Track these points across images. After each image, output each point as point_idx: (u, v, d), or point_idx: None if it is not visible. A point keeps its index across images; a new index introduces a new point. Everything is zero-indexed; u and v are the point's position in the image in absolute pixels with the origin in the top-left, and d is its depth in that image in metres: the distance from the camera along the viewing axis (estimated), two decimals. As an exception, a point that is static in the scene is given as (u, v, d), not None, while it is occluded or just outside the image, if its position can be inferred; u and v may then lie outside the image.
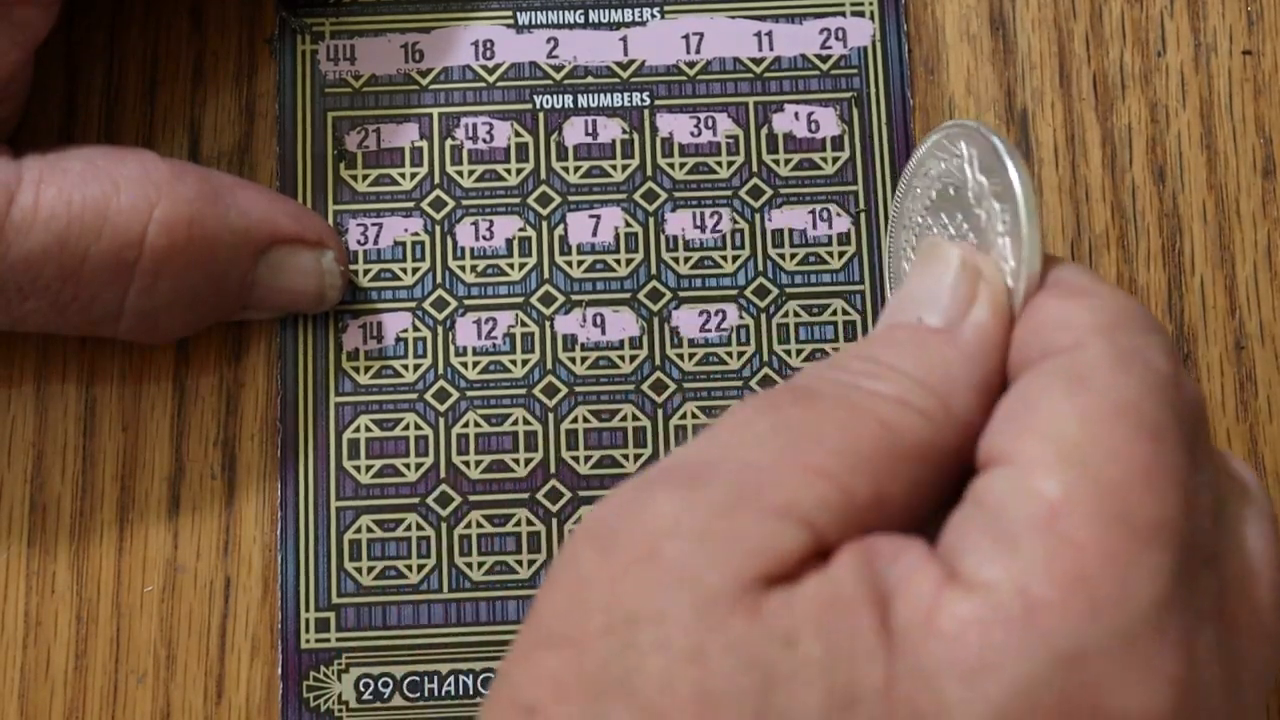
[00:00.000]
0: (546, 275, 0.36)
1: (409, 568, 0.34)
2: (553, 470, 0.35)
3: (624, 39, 0.37)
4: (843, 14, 0.37)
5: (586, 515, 0.24)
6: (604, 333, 0.35)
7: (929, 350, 0.25)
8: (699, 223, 0.36)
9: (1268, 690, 0.25)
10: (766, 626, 0.22)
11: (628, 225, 0.36)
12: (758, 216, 0.36)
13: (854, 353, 0.26)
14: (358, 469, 0.35)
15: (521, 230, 0.36)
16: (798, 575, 0.23)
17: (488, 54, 0.37)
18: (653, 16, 0.37)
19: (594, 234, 0.36)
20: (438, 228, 0.36)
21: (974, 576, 0.22)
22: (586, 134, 0.36)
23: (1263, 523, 0.25)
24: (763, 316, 0.35)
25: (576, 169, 0.36)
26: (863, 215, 0.36)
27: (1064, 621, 0.21)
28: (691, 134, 0.36)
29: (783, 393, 0.25)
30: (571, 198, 0.36)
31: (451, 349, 0.35)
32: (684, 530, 0.23)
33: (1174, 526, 0.22)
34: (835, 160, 0.36)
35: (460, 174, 0.36)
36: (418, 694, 0.34)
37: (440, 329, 0.35)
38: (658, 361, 0.35)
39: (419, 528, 0.34)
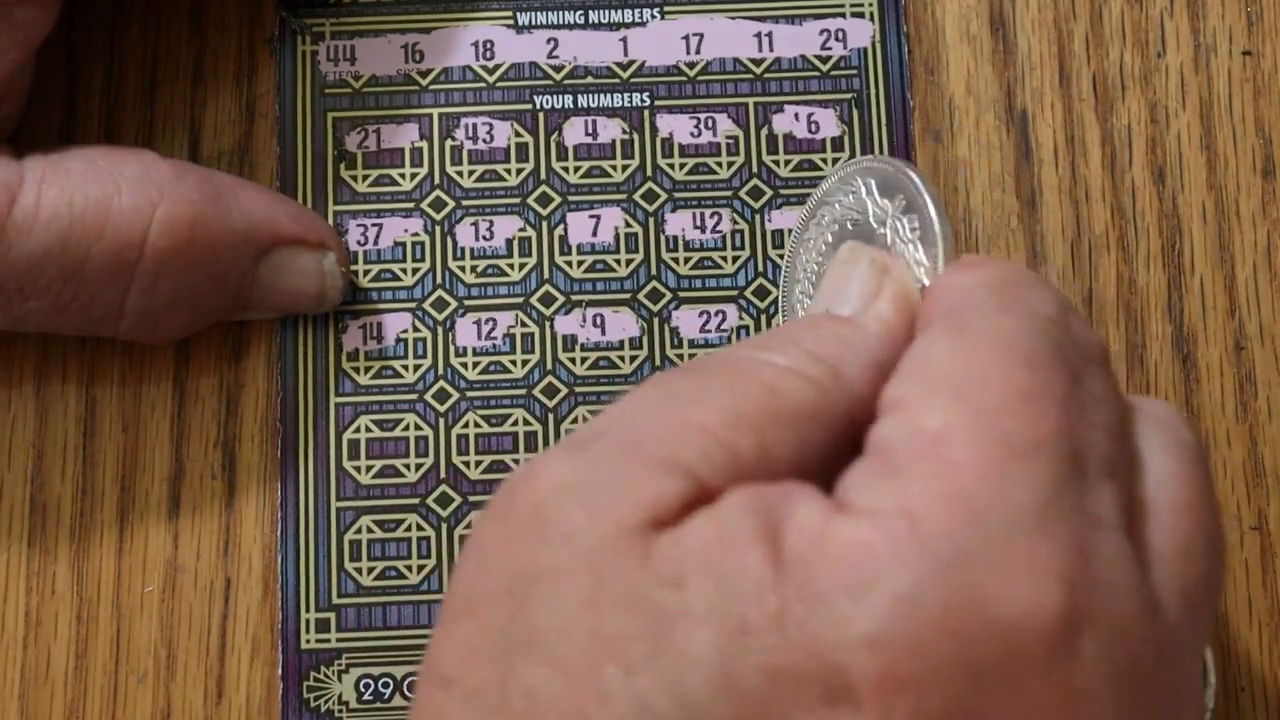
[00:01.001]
0: (546, 275, 0.36)
1: (409, 568, 0.34)
2: (553, 470, 0.35)
3: (624, 39, 0.37)
4: (842, 15, 0.37)
5: (512, 474, 0.25)
6: (604, 333, 0.35)
7: (826, 329, 0.27)
8: (699, 223, 0.36)
9: (1208, 612, 0.25)
10: (653, 570, 0.23)
11: (628, 226, 0.36)
12: (758, 217, 0.36)
13: (764, 336, 0.27)
14: (358, 469, 0.35)
15: (521, 230, 0.36)
16: (685, 519, 0.23)
17: (488, 54, 0.37)
18: (653, 17, 0.37)
19: (594, 234, 0.36)
20: (438, 228, 0.36)
21: (860, 504, 0.23)
22: (586, 134, 0.36)
23: (1178, 449, 0.26)
24: (762, 317, 0.35)
25: (576, 169, 0.36)
26: (863, 216, 0.36)
27: (944, 530, 0.22)
28: (691, 134, 0.36)
29: (676, 368, 0.26)
30: (571, 198, 0.36)
31: (451, 349, 0.35)
32: (569, 488, 0.24)
33: (1054, 440, 0.23)
34: (835, 161, 0.36)
35: (460, 174, 0.36)
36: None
37: (440, 329, 0.35)
38: (658, 362, 0.35)
39: (419, 528, 0.35)
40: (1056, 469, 0.23)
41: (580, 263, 0.36)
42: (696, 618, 0.22)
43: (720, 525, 0.23)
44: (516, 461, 0.35)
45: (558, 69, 0.37)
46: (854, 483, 0.24)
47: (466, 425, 0.35)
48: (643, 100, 0.36)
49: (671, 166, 0.36)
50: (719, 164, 0.36)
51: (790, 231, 0.36)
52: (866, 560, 0.22)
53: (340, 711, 0.34)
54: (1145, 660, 0.23)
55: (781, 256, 0.36)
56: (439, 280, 0.36)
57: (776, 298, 0.35)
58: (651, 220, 0.36)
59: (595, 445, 0.25)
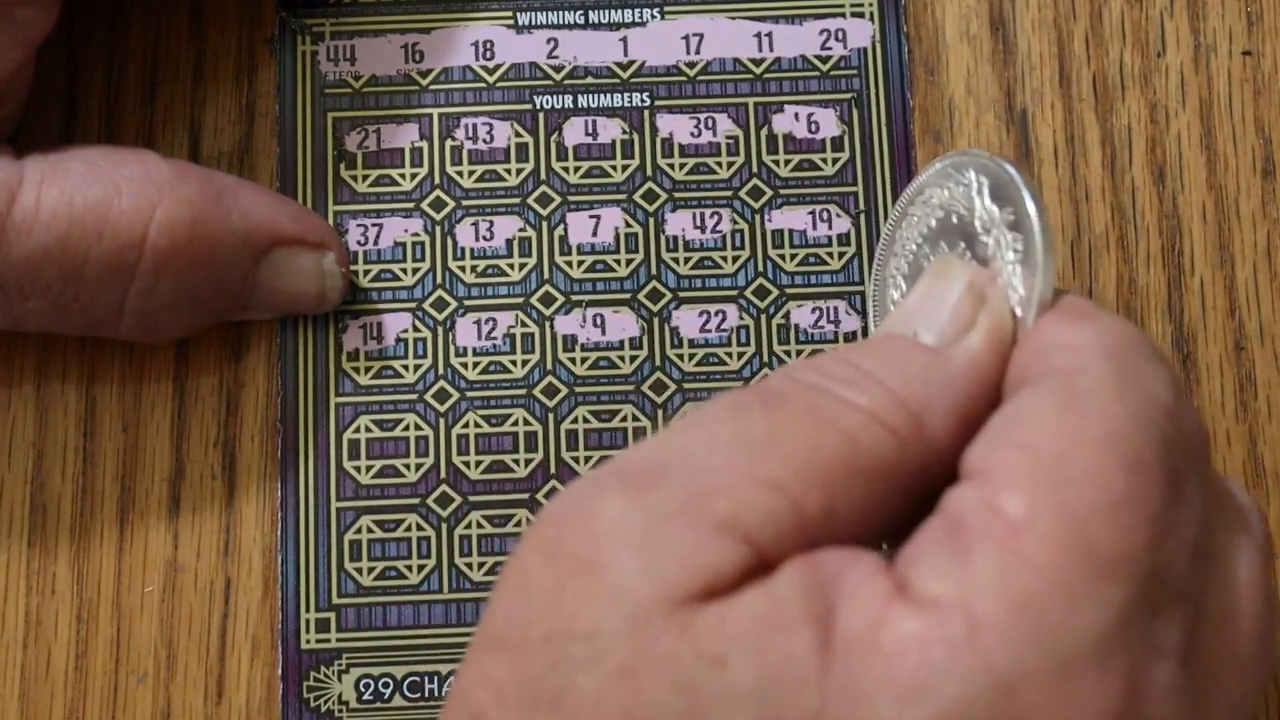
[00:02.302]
0: (546, 275, 0.36)
1: (409, 568, 0.34)
2: (553, 471, 0.35)
3: (624, 39, 0.37)
4: (842, 15, 0.37)
5: (540, 512, 0.24)
6: (604, 333, 0.35)
7: (914, 365, 0.25)
8: (699, 223, 0.36)
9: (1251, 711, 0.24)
10: (697, 646, 0.22)
11: (628, 225, 0.36)
12: (758, 217, 0.36)
13: (838, 355, 0.25)
14: (358, 469, 0.35)
15: (521, 230, 0.36)
16: (737, 589, 0.22)
17: (488, 54, 0.37)
18: (653, 17, 0.37)
19: (594, 234, 0.36)
20: (438, 228, 0.36)
21: (923, 591, 0.22)
22: (586, 134, 0.36)
23: (1253, 554, 0.24)
24: (763, 317, 0.35)
25: (576, 169, 0.36)
26: (863, 216, 0.36)
27: (1004, 644, 0.21)
28: (691, 134, 0.36)
29: (750, 395, 0.24)
30: (571, 198, 0.36)
31: (451, 349, 0.35)
32: (624, 537, 0.23)
33: (1136, 561, 0.22)
34: (835, 161, 0.36)
35: (460, 174, 0.36)
36: (418, 694, 0.34)
37: (440, 329, 0.35)
38: (658, 362, 0.35)
39: (419, 528, 0.34)
40: (1131, 593, 0.22)
41: (580, 263, 0.36)
42: (734, 703, 0.21)
43: (772, 601, 0.22)
44: (517, 462, 0.35)
45: (558, 69, 0.37)
46: (921, 557, 0.22)
47: (466, 425, 0.35)
48: (643, 100, 0.36)
49: (671, 166, 0.36)
50: (719, 164, 0.36)
51: (791, 232, 0.36)
52: (920, 666, 0.21)
53: (340, 711, 0.34)
54: None
55: (782, 256, 0.36)
56: (439, 280, 0.36)
57: (869, 272, 0.34)
58: (651, 220, 0.36)
59: (659, 490, 0.23)
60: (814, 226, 0.36)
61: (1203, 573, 0.23)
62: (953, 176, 0.28)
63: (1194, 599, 0.23)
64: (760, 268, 0.36)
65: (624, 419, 0.35)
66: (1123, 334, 0.24)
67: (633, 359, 0.35)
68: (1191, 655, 0.23)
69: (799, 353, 0.35)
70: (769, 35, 0.37)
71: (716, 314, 0.35)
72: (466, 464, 0.35)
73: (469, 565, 0.34)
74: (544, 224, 0.36)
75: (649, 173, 0.36)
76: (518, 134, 0.36)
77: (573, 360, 0.35)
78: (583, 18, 0.37)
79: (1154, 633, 0.22)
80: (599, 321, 0.35)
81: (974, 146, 0.33)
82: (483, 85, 0.36)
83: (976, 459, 0.23)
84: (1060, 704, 0.21)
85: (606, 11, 0.37)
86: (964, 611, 0.21)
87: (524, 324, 0.35)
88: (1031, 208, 0.26)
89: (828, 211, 0.36)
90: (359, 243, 0.36)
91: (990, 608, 0.21)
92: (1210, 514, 0.24)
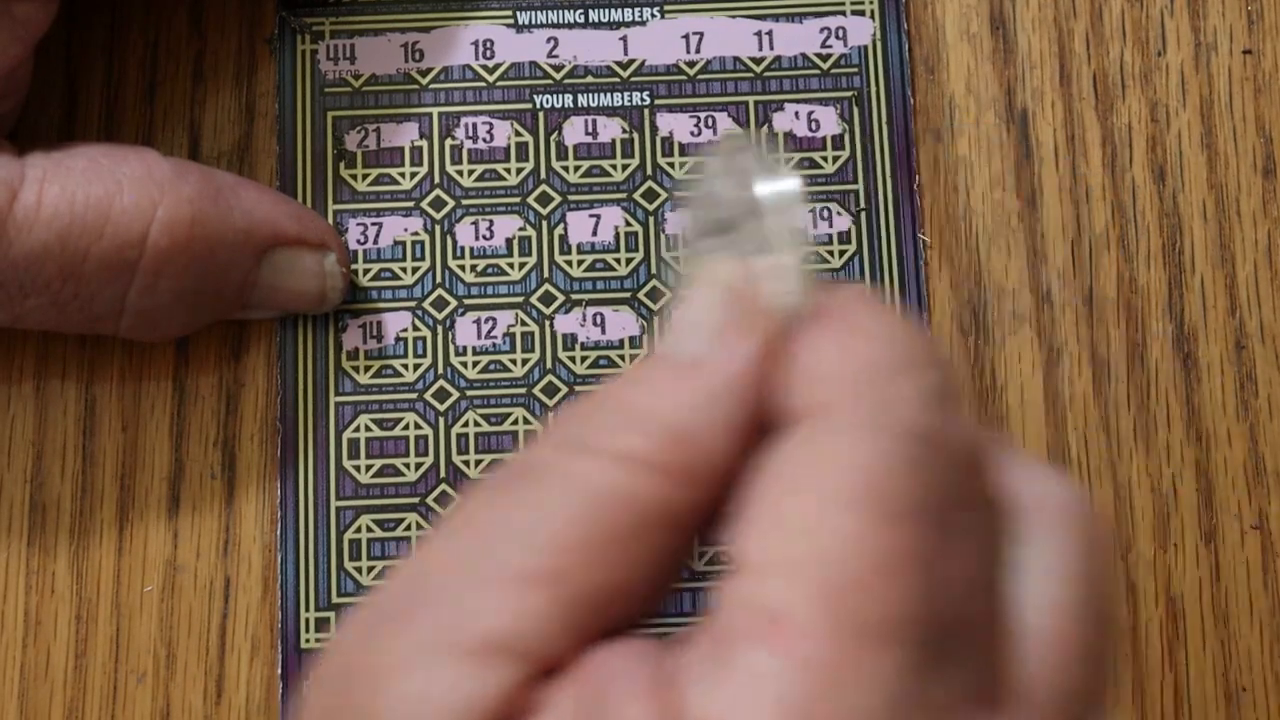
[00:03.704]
0: (546, 275, 0.36)
1: (409, 567, 0.34)
2: (553, 470, 0.35)
3: (624, 39, 0.37)
4: (843, 13, 0.37)
5: (327, 649, 0.22)
6: (604, 332, 0.35)
7: (676, 388, 0.22)
8: (699, 222, 0.36)
9: (1104, 693, 0.23)
10: None
11: (628, 225, 0.36)
12: (758, 216, 0.36)
13: (603, 393, 0.23)
14: (358, 469, 0.35)
15: (521, 230, 0.36)
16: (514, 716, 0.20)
17: (488, 54, 0.37)
18: (653, 16, 0.37)
19: (594, 233, 0.36)
20: (438, 227, 0.36)
21: (680, 704, 0.20)
22: (586, 133, 0.36)
23: (1045, 574, 0.22)
24: (763, 316, 0.35)
25: (576, 168, 0.36)
26: (863, 214, 0.36)
27: None
28: (691, 133, 0.36)
29: (504, 476, 0.22)
30: (571, 197, 0.36)
31: (451, 349, 0.35)
32: (385, 687, 0.20)
33: (911, 618, 0.20)
34: (835, 159, 0.36)
35: (460, 173, 0.36)
36: (418, 694, 0.34)
37: (440, 329, 0.35)
38: (658, 361, 0.35)
39: (419, 527, 0.34)
40: (905, 657, 0.20)
41: (580, 262, 0.36)
42: None
43: None
44: (516, 461, 0.35)
45: (558, 68, 0.37)
46: (688, 670, 0.20)
47: (466, 424, 0.35)
48: (643, 99, 0.36)
49: (672, 165, 0.36)
50: (719, 163, 0.36)
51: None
52: None
53: (340, 711, 0.34)
54: None
55: (782, 255, 0.36)
56: (439, 279, 0.36)
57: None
58: (651, 219, 0.36)
59: (414, 623, 0.21)
60: (814, 225, 0.36)
61: (993, 601, 0.22)
62: (710, 180, 0.27)
63: (987, 631, 0.21)
64: (760, 267, 0.36)
65: (624, 418, 0.35)
66: (872, 346, 0.22)
67: (633, 358, 0.35)
68: (998, 688, 0.21)
69: (799, 352, 0.35)
70: (769, 34, 0.37)
71: (717, 313, 0.35)
72: (466, 463, 0.35)
73: (469, 564, 0.34)
74: (544, 223, 0.36)
75: (649, 172, 0.36)
76: (518, 133, 0.36)
77: (573, 359, 0.35)
78: (583, 17, 0.37)
79: (943, 688, 0.20)
80: (599, 320, 0.35)
81: (735, 133, 0.31)
82: (483, 84, 0.36)
83: (739, 546, 0.21)
84: None
85: (606, 10, 0.37)
86: None
87: (524, 323, 0.35)
88: (776, 187, 0.24)
89: (828, 210, 0.36)
90: (359, 242, 0.36)
91: (758, 715, 0.19)
92: (997, 532, 0.22)
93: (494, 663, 0.20)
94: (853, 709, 0.19)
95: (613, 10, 0.37)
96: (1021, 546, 0.22)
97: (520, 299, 0.35)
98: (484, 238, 0.36)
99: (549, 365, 0.35)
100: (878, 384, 0.22)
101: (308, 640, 0.34)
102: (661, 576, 0.22)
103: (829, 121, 0.36)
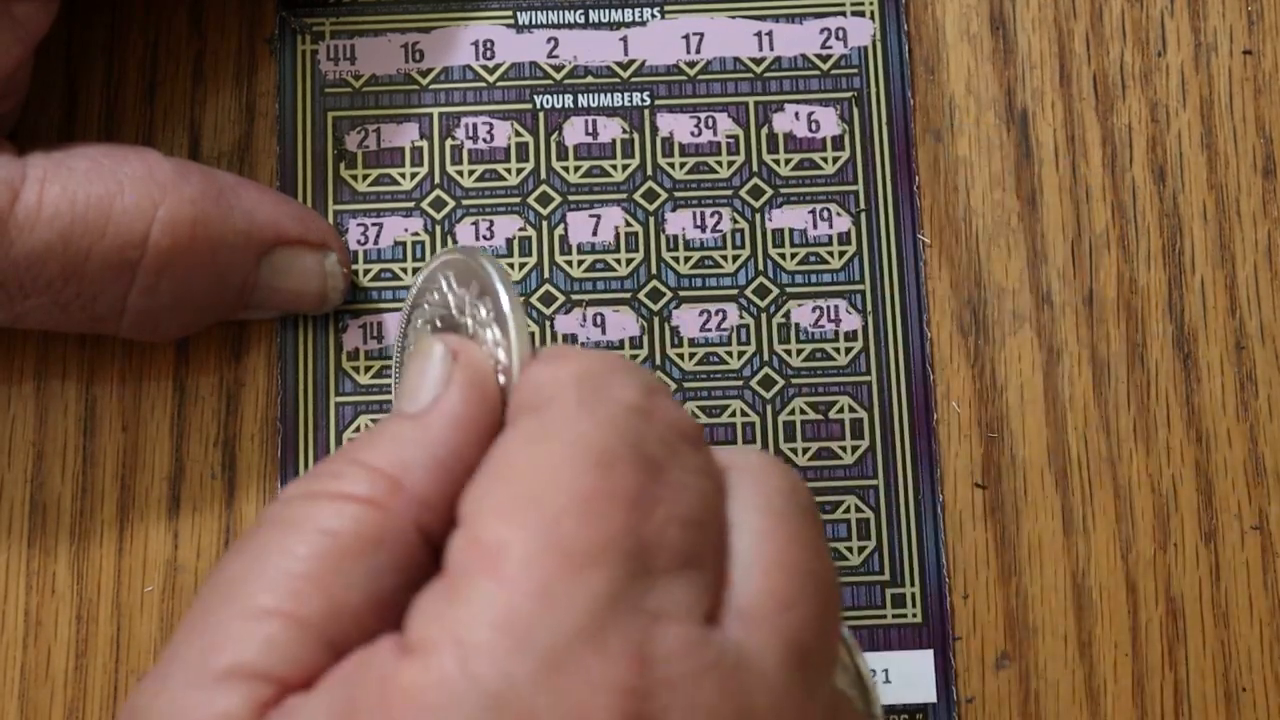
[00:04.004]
0: (546, 275, 0.36)
1: (409, 567, 0.34)
2: (553, 470, 0.35)
3: (624, 39, 0.37)
4: (843, 13, 0.37)
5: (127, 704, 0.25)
6: (604, 332, 0.35)
7: (391, 435, 0.25)
8: (699, 222, 0.36)
9: (828, 648, 0.25)
10: None
11: (628, 225, 0.36)
12: (758, 216, 0.36)
13: (335, 455, 0.26)
14: (358, 469, 0.35)
15: (521, 230, 0.36)
16: None
17: (488, 54, 0.37)
18: (653, 16, 0.37)
19: (594, 234, 0.36)
20: (438, 227, 0.36)
21: (418, 640, 0.22)
22: (586, 134, 0.36)
23: (768, 502, 0.25)
24: (763, 316, 0.35)
25: (576, 169, 0.36)
26: (863, 215, 0.36)
27: (493, 663, 0.21)
28: (691, 134, 0.36)
29: (256, 526, 0.25)
30: (571, 197, 0.36)
31: (452, 349, 0.35)
32: (155, 712, 0.23)
33: (614, 545, 0.23)
34: (835, 160, 0.36)
35: (460, 174, 0.36)
36: (418, 694, 0.34)
37: (440, 329, 0.35)
38: (658, 361, 0.35)
39: (419, 527, 0.34)
40: (613, 574, 0.22)
41: (580, 262, 0.36)
42: None
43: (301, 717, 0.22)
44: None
45: (558, 68, 0.37)
46: (417, 611, 0.23)
47: (467, 424, 0.35)
48: (643, 99, 0.36)
49: (672, 166, 0.36)
50: (719, 163, 0.36)
51: (791, 230, 0.36)
52: (420, 712, 0.21)
53: (340, 711, 0.34)
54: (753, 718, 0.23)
55: (782, 255, 0.36)
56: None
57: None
58: (651, 219, 0.36)
59: (171, 667, 0.23)
60: (814, 225, 0.36)
61: (711, 536, 0.24)
62: (427, 289, 0.29)
63: (703, 561, 0.24)
64: (760, 267, 0.36)
65: (624, 418, 0.35)
66: (589, 360, 0.25)
67: (633, 358, 0.35)
68: (719, 609, 0.24)
69: (799, 351, 0.35)
70: (769, 34, 0.37)
71: (717, 313, 0.35)
72: (467, 463, 0.35)
73: (469, 565, 0.34)
74: (544, 223, 0.36)
75: (649, 172, 0.36)
76: (518, 133, 0.36)
77: (573, 359, 0.35)
78: (583, 17, 0.37)
79: (652, 601, 0.23)
80: (599, 321, 0.35)
81: (449, 248, 0.34)
82: (483, 85, 0.36)
83: (462, 504, 0.24)
84: (560, 697, 0.21)
85: (606, 11, 0.37)
86: (454, 646, 0.22)
87: (524, 323, 0.35)
88: (486, 265, 0.27)
89: (828, 210, 0.36)
90: (359, 242, 0.36)
91: (476, 634, 0.22)
92: (713, 485, 0.25)
93: (239, 684, 0.23)
94: (562, 618, 0.22)
95: (613, 10, 0.37)
96: (740, 492, 0.25)
97: (520, 299, 0.35)
98: (484, 238, 0.36)
99: (549, 365, 0.35)
100: (595, 376, 0.25)
101: (308, 640, 0.34)
102: (401, 589, 0.24)
103: (829, 122, 0.36)
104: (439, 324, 0.28)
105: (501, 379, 0.26)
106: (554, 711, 0.21)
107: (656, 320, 0.35)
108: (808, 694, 0.24)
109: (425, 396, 0.26)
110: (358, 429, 0.35)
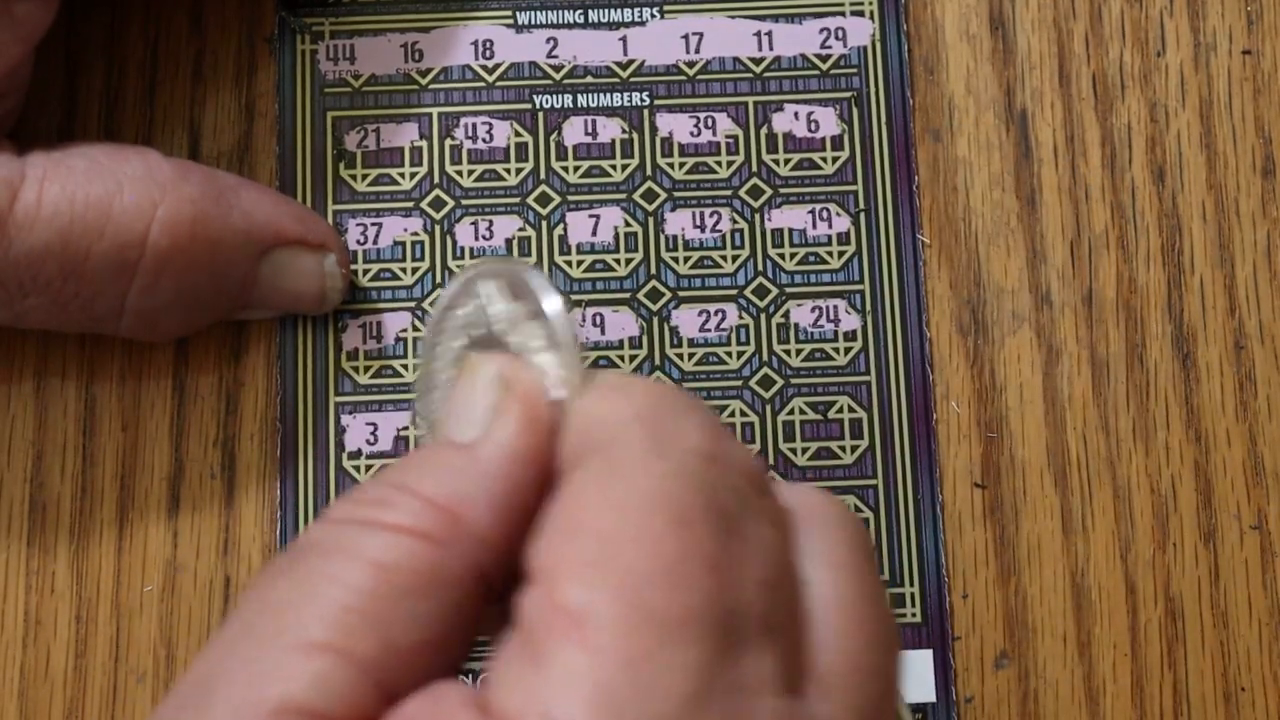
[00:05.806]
0: (546, 275, 0.36)
1: (409, 567, 0.34)
2: (553, 470, 0.35)
3: (624, 39, 0.37)
4: (842, 14, 0.37)
5: None
6: (604, 332, 0.35)
7: (445, 466, 0.24)
8: (699, 222, 0.36)
9: (890, 699, 0.24)
10: None
11: (627, 225, 0.36)
12: (757, 216, 0.36)
13: (377, 478, 0.25)
14: (357, 469, 0.35)
15: (521, 230, 0.36)
16: None
17: (487, 54, 0.37)
18: (652, 16, 0.37)
19: (594, 234, 0.36)
20: (437, 227, 0.36)
21: (502, 708, 0.21)
22: (586, 134, 0.36)
23: (836, 555, 0.24)
24: (762, 316, 0.35)
25: (576, 169, 0.36)
26: (862, 215, 0.36)
27: None
28: (691, 134, 0.36)
29: (282, 558, 0.24)
30: (571, 197, 0.36)
31: (451, 349, 0.35)
32: None
33: (704, 614, 0.21)
34: (835, 160, 0.36)
35: (460, 174, 0.36)
36: (418, 694, 0.34)
37: (440, 329, 0.35)
38: (657, 361, 0.35)
39: (419, 527, 0.34)
40: (705, 647, 0.21)
41: (580, 262, 0.36)
42: None
43: None
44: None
45: (557, 68, 0.37)
46: (498, 675, 0.22)
47: (466, 424, 0.35)
48: (642, 100, 0.36)
49: (671, 166, 0.36)
50: (719, 163, 0.36)
51: (790, 231, 0.36)
52: None
53: (340, 711, 0.34)
54: None
55: (782, 255, 0.36)
56: (439, 280, 0.36)
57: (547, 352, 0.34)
58: (651, 220, 0.36)
59: (217, 693, 0.22)
60: (814, 225, 0.36)
61: (786, 597, 0.23)
62: (468, 292, 0.27)
63: (783, 625, 0.23)
64: (760, 267, 0.36)
65: (624, 418, 0.35)
66: (652, 395, 0.24)
67: (632, 358, 0.35)
68: (799, 676, 0.23)
69: (799, 351, 0.35)
70: (769, 34, 0.37)
71: (716, 313, 0.35)
72: (466, 463, 0.35)
73: (469, 564, 0.34)
74: (544, 223, 0.36)
75: (649, 172, 0.36)
76: (517, 133, 0.36)
77: (573, 359, 0.35)
78: (582, 17, 0.37)
79: (743, 674, 0.22)
80: (599, 321, 0.35)
81: (490, 258, 0.33)
82: (482, 85, 0.36)
83: (534, 557, 0.23)
84: None
85: (606, 11, 0.37)
86: (542, 718, 0.21)
87: (524, 323, 0.35)
88: (540, 285, 0.26)
89: (827, 210, 0.36)
90: (358, 242, 0.36)
91: (567, 708, 0.21)
92: (784, 537, 0.24)
93: None
94: (659, 695, 0.21)
95: (612, 10, 0.37)
96: (807, 543, 0.24)
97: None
98: (484, 238, 0.36)
99: (549, 365, 0.35)
100: (656, 419, 0.23)
101: (307, 640, 0.34)
102: (456, 630, 0.23)
103: (828, 122, 0.36)
104: (471, 336, 0.27)
105: (551, 401, 0.25)
106: None
107: (656, 320, 0.35)
108: None
109: (476, 424, 0.24)
110: (358, 429, 0.35)
